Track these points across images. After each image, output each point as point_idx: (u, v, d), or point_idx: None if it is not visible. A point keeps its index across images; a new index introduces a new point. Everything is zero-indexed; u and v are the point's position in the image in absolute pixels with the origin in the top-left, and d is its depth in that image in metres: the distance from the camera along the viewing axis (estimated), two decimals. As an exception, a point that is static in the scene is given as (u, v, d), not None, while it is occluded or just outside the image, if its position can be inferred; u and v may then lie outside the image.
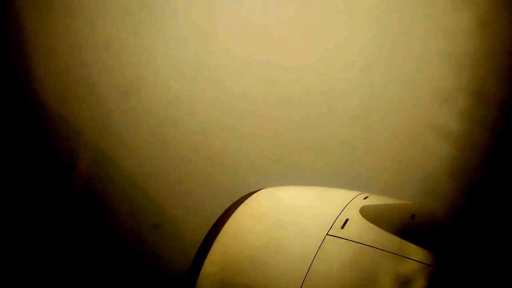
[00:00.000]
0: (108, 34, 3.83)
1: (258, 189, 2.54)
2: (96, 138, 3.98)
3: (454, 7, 2.35)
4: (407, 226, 2.12)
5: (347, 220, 2.21)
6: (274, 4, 3.70)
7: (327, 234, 2.14)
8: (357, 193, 2.44)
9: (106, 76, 3.89)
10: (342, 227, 2.18)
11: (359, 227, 2.17)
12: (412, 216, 2.15)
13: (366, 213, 2.24)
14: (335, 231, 2.16)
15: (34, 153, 3.87)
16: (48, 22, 3.84)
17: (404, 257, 2.01)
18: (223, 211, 2.39)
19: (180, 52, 3.87)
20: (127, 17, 3.79)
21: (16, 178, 3.75)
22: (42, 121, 3.93)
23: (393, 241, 2.07)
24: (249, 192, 2.52)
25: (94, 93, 3.93)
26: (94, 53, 3.85)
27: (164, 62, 3.90)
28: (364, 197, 2.40)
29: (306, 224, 2.23)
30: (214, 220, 2.35)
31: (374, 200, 2.39)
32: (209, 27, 3.77)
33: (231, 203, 2.44)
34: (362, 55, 3.45)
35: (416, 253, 2.01)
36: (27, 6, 3.83)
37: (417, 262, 1.98)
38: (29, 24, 3.85)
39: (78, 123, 3.96)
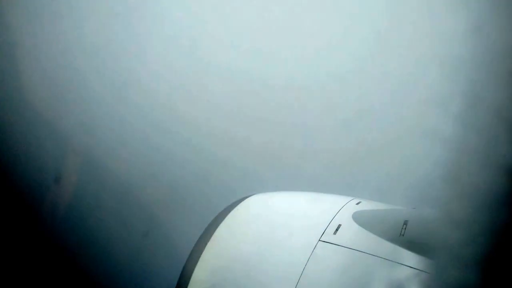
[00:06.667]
0: (97, 38, 3.80)
1: (249, 194, 2.51)
2: (85, 144, 3.94)
3: (449, 10, 2.37)
4: (400, 232, 2.10)
5: (339, 225, 2.19)
6: (261, 6, 3.70)
7: (319, 240, 2.12)
8: (349, 198, 2.42)
9: (96, 80, 3.86)
10: (335, 232, 2.16)
11: (352, 233, 2.15)
12: (405, 222, 2.13)
13: (359, 218, 2.22)
14: (327, 236, 2.14)
15: (22, 158, 3.83)
16: (36, 26, 3.81)
17: (398, 263, 1.99)
18: (214, 217, 2.36)
19: (171, 55, 3.86)
20: (117, 20, 3.77)
21: (2, 185, 3.71)
22: (30, 127, 3.89)
23: (386, 247, 2.05)
24: (240, 197, 2.49)
25: (83, 98, 3.91)
26: (83, 57, 3.83)
27: (156, 65, 3.88)
28: (356, 202, 2.38)
29: (298, 229, 2.21)
30: (205, 226, 2.31)
31: (367, 205, 2.37)
32: (200, 29, 3.77)
33: (222, 208, 2.41)
34: (354, 58, 3.46)
35: (410, 259, 1.98)
36: (14, 10, 3.79)
37: (411, 268, 1.95)
38: (17, 27, 3.81)
39: (67, 128, 3.92)
